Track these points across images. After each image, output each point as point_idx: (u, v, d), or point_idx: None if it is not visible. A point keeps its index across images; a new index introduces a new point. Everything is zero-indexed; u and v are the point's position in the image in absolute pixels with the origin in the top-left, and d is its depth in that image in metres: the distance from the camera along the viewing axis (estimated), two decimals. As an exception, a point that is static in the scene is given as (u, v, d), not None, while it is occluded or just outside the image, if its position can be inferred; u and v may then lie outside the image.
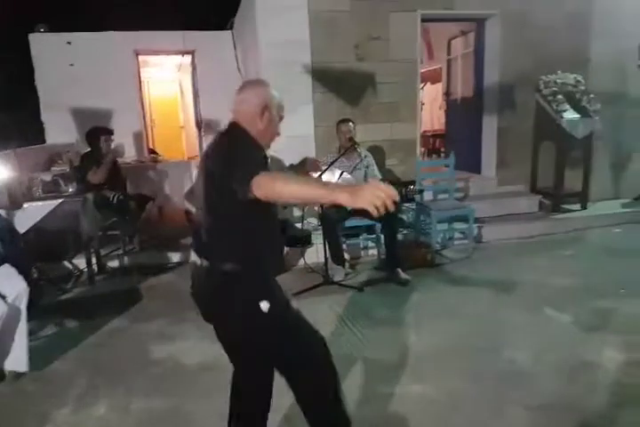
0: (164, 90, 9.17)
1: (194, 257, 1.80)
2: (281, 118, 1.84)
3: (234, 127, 1.77)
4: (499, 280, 4.05)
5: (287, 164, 4.89)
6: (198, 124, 7.31)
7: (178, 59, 7.72)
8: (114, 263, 4.73)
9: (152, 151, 7.28)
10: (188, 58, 7.22)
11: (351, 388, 2.58)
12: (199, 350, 3.10)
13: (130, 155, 6.65)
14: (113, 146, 4.91)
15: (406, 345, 3.07)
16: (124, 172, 5.19)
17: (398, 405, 2.47)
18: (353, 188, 1.37)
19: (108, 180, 4.65)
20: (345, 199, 1.35)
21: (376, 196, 1.32)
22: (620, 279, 3.96)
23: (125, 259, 4.78)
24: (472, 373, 2.73)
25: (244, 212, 1.64)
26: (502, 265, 4.44)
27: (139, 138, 6.94)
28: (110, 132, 4.85)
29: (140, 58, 7.04)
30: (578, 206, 5.77)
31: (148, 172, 6.03)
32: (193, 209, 5.06)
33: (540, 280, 4.02)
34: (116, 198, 4.72)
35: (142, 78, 7.34)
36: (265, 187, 1.45)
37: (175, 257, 4.84)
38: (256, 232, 1.74)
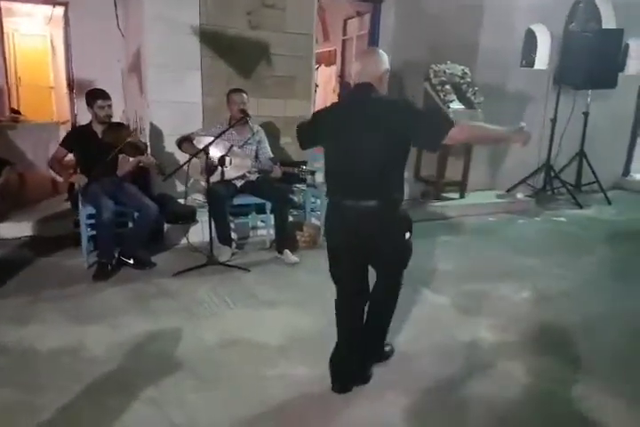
0: (34, 45, 8.08)
1: (345, 200, 2.25)
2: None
3: (371, 86, 2.21)
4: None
5: (168, 131, 4.57)
6: (70, 85, 6.56)
7: (49, 9, 6.83)
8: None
9: (15, 112, 6.40)
10: (60, 9, 6.40)
11: (235, 370, 2.50)
12: (56, 334, 2.76)
13: (-15, 114, 5.78)
14: None
15: (292, 327, 2.98)
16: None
17: (282, 387, 2.38)
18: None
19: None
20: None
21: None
22: (492, 264, 4.19)
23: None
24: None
25: (403, 158, 2.22)
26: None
27: (-1, 95, 6.05)
28: None
29: (3, 4, 6.11)
30: (457, 195, 6.06)
31: (6, 132, 5.24)
32: (59, 178, 4.52)
33: (420, 264, 4.09)
34: (-35, 161, 4.05)
35: (6, 29, 6.41)
36: (460, 135, 2.10)
37: (31, 229, 4.29)
38: (402, 175, 2.28)
